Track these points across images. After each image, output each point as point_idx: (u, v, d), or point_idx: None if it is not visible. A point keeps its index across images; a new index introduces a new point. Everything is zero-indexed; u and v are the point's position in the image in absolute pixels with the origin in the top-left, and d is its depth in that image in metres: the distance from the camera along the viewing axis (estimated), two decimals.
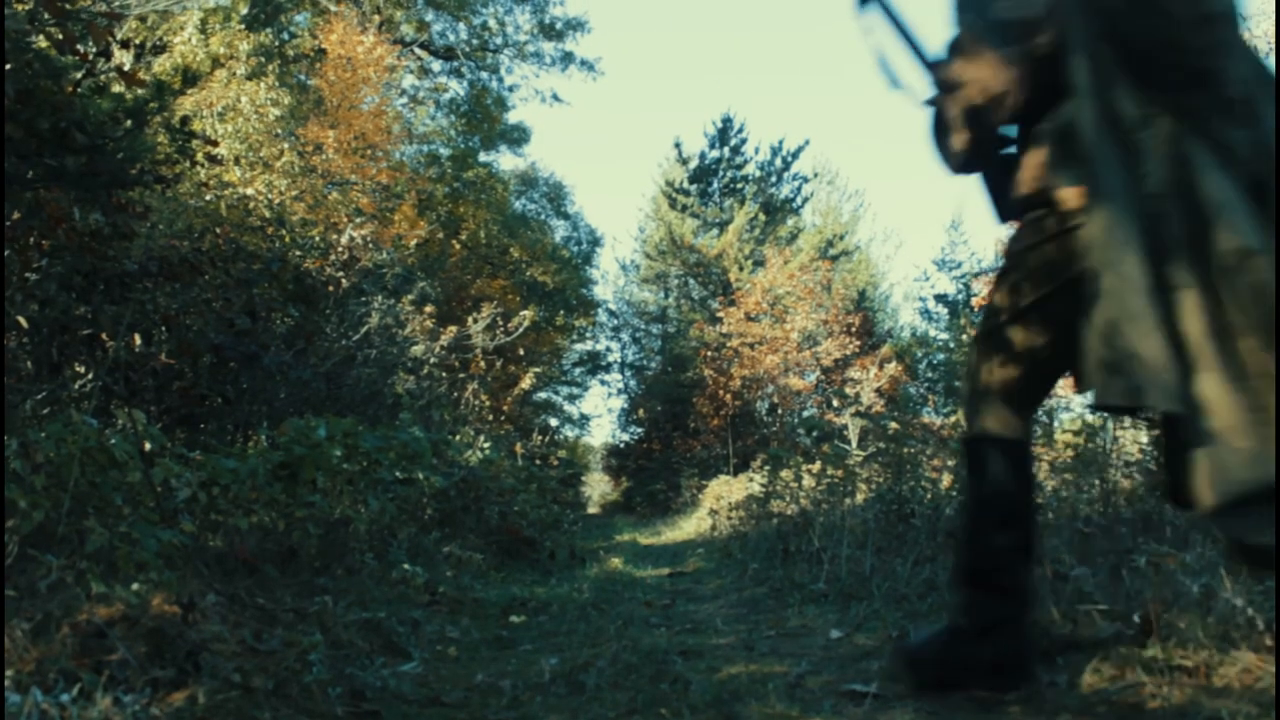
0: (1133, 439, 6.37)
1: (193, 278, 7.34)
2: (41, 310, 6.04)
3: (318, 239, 10.92)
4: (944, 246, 34.46)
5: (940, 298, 32.94)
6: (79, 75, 6.02)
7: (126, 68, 6.68)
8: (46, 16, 6.01)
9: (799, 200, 35.00)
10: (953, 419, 22.55)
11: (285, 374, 8.20)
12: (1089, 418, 6.61)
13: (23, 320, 5.96)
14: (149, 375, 6.86)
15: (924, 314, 33.89)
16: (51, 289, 6.05)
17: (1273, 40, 12.56)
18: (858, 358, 27.16)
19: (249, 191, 10.96)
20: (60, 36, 5.88)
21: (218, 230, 8.62)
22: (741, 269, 30.49)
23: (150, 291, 6.87)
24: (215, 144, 6.67)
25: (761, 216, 32.56)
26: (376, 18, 22.41)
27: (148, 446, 4.27)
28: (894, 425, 7.57)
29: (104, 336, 6.50)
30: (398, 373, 11.05)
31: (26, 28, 5.82)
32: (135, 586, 3.12)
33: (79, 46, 5.98)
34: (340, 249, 11.05)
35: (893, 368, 26.54)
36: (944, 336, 31.83)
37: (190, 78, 7.02)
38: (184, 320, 7.33)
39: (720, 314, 28.01)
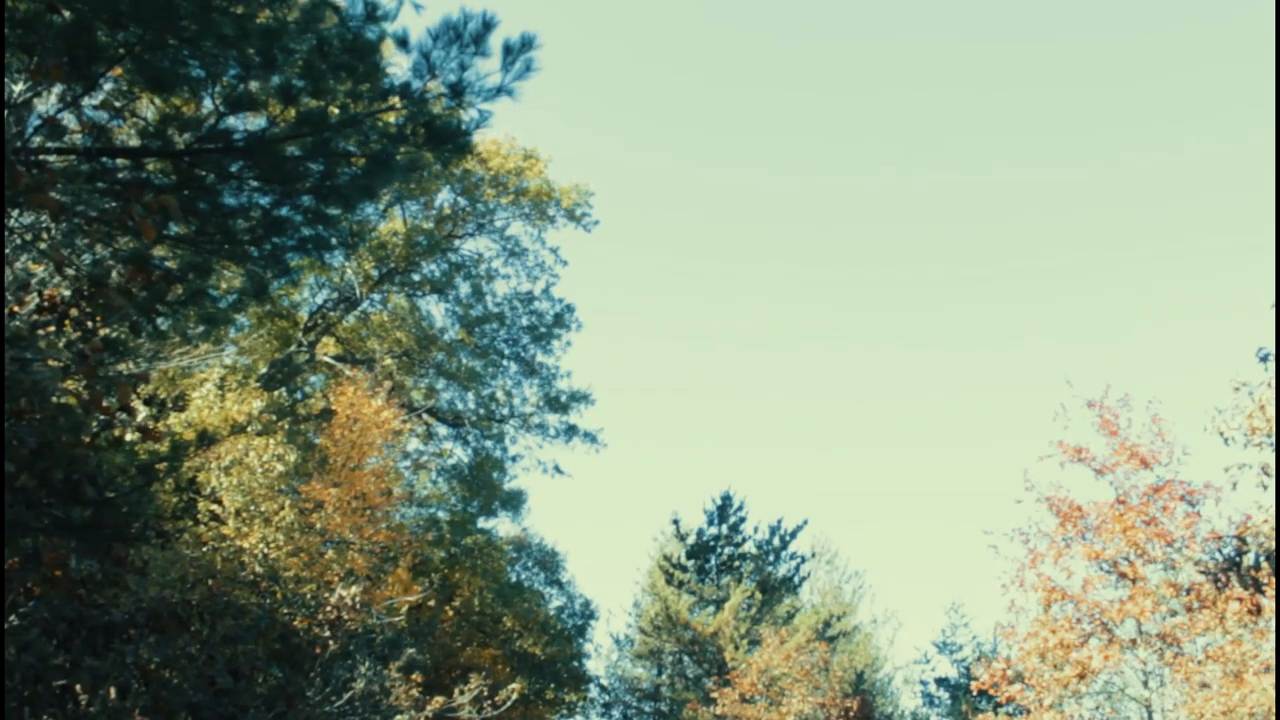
0: None
1: (179, 631, 7.19)
2: (18, 656, 5.87)
3: (309, 597, 10.78)
4: (944, 629, 33.97)
5: (941, 681, 32.11)
6: (96, 426, 6.18)
7: (142, 420, 6.86)
8: (78, 376, 6.26)
9: (797, 579, 34.85)
10: None
11: None
12: None
13: None
14: None
15: (925, 698, 32.92)
16: (33, 634, 5.91)
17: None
18: None
19: (244, 545, 10.94)
20: (87, 396, 6.10)
21: (210, 582, 8.54)
22: (737, 648, 29.90)
23: (134, 642, 6.70)
24: (219, 502, 6.76)
25: (758, 595, 32.32)
26: (388, 383, 23.27)
27: None
28: None
29: (78, 688, 6.28)
30: None
31: (61, 387, 6.05)
32: None
33: (104, 402, 6.20)
34: (329, 608, 10.87)
35: None
36: None
37: (205, 437, 7.21)
38: (164, 675, 7.10)
39: (714, 694, 27.19)
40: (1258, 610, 15.08)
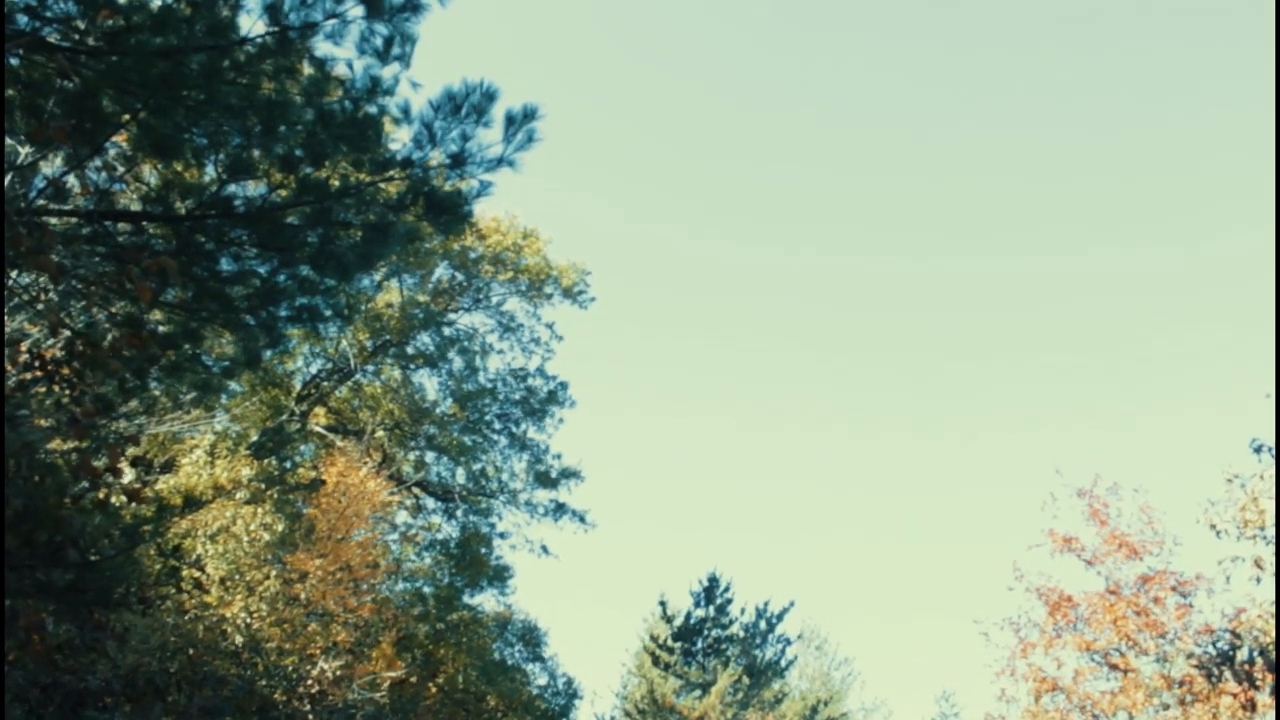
0: None
1: (155, 700, 7.04)
2: None
3: (290, 669, 10.60)
4: (935, 718, 33.51)
5: None
6: (83, 484, 6.12)
7: (129, 483, 6.80)
8: (69, 437, 6.21)
9: (784, 663, 34.40)
10: None
11: None
12: None
13: None
14: None
15: None
16: (4, 700, 5.79)
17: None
18: None
19: (227, 614, 10.79)
20: (76, 459, 6.05)
21: (190, 651, 8.40)
22: None
23: (108, 710, 6.56)
24: (203, 569, 6.69)
25: (745, 679, 31.86)
26: (378, 454, 23.15)
27: None
28: None
29: None
30: None
31: (54, 447, 6.00)
32: None
33: (93, 463, 6.14)
34: (310, 681, 10.69)
35: None
36: None
37: (192, 502, 7.14)
38: None
39: None
40: (1252, 705, 14.90)
